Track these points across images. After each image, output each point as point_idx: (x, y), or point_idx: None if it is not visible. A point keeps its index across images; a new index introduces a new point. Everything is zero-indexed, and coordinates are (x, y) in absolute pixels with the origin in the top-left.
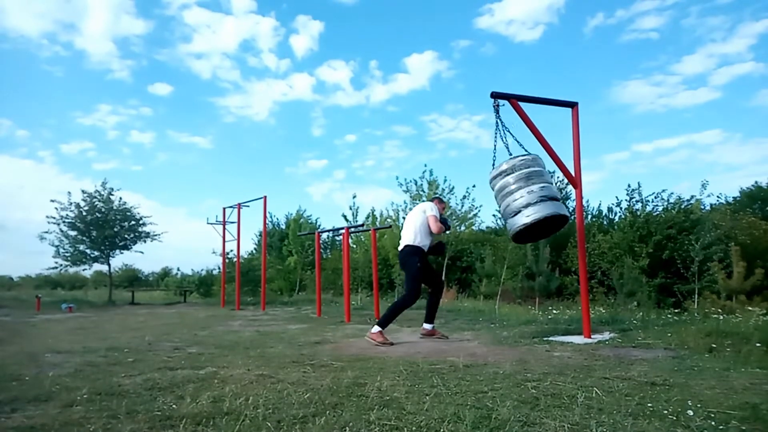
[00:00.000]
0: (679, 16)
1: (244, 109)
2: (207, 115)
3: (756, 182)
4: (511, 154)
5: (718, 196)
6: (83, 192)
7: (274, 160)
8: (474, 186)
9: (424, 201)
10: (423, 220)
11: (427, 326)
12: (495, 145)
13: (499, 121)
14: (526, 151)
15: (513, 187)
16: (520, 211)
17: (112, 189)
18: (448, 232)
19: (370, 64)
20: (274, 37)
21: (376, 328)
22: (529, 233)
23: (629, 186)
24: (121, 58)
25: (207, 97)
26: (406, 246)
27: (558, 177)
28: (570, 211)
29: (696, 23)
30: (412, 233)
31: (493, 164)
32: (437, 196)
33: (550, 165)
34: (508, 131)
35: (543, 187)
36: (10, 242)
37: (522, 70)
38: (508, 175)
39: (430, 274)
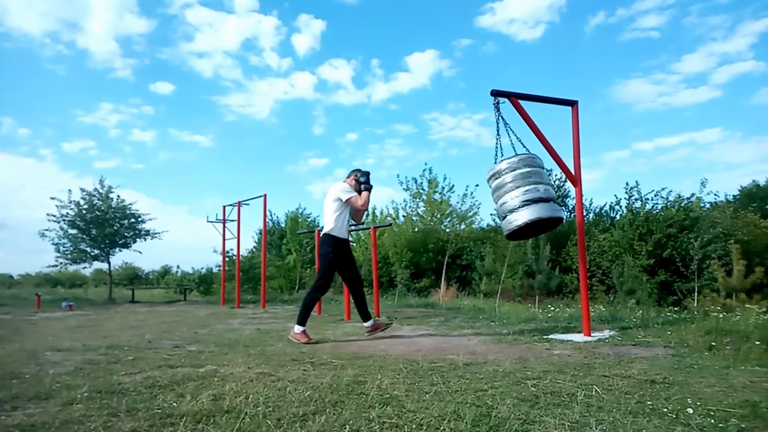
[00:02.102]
0: (680, 14)
1: (245, 107)
2: (208, 114)
3: (754, 180)
4: (513, 152)
5: (715, 194)
6: (82, 190)
7: (275, 159)
8: (477, 185)
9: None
10: (336, 207)
11: (366, 324)
12: (497, 143)
13: (500, 118)
14: (525, 149)
15: (509, 186)
16: (514, 211)
17: (111, 187)
18: (370, 192)
19: (372, 62)
20: (276, 35)
21: (299, 328)
22: (523, 232)
23: (627, 184)
24: (124, 57)
25: (208, 95)
26: (323, 234)
27: (557, 175)
28: (570, 209)
29: (697, 22)
30: (328, 221)
31: (495, 162)
32: (355, 170)
33: (550, 163)
34: (510, 129)
35: (538, 188)
36: (11, 240)
37: (523, 68)
38: (504, 174)
39: (348, 268)
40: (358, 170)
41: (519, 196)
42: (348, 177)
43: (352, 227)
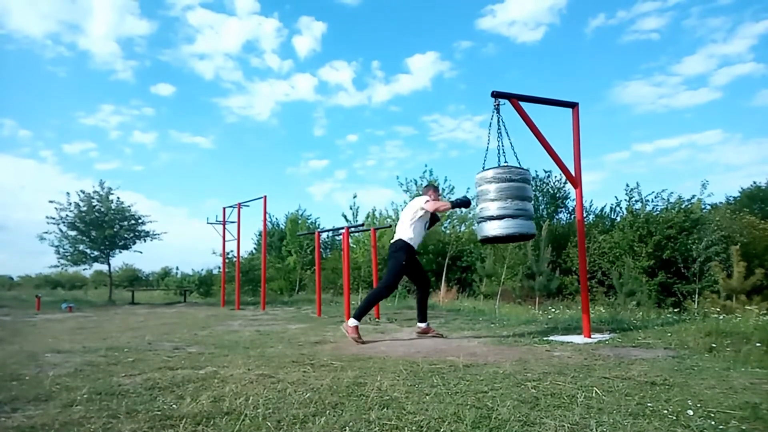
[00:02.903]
0: (680, 17)
1: (246, 109)
2: (209, 116)
3: (754, 182)
4: (505, 157)
5: (712, 195)
6: (81, 192)
7: (276, 160)
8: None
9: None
10: (418, 215)
11: (421, 324)
12: (488, 145)
13: (499, 120)
14: (516, 158)
15: (491, 195)
16: (490, 220)
17: (111, 189)
18: (464, 209)
19: (373, 64)
20: (277, 37)
21: (353, 321)
22: (495, 240)
23: (627, 186)
24: (125, 59)
25: (209, 97)
26: (397, 240)
27: (557, 176)
28: (570, 210)
29: (697, 24)
30: (404, 228)
31: (484, 162)
32: (429, 183)
33: (550, 165)
34: (507, 133)
35: (517, 203)
36: (11, 242)
37: (523, 70)
38: (490, 183)
39: (416, 271)
40: (431, 185)
41: (497, 208)
42: (425, 191)
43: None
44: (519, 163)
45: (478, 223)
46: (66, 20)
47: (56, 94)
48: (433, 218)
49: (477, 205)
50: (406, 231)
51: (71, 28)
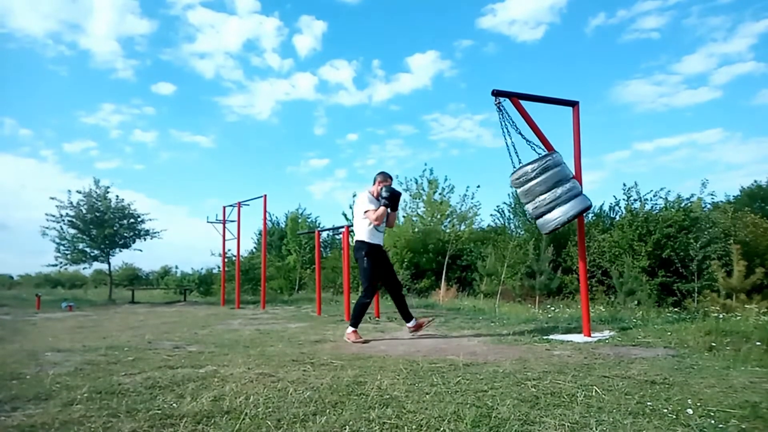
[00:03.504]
0: (680, 16)
1: (246, 108)
2: (210, 115)
3: (755, 181)
4: (517, 154)
5: (713, 195)
6: (80, 192)
7: (276, 159)
8: (478, 186)
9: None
10: (363, 215)
11: (409, 324)
12: (507, 144)
13: (506, 117)
14: (534, 149)
15: (540, 189)
16: (550, 211)
17: (107, 187)
18: (391, 209)
19: (373, 63)
20: (277, 36)
21: (350, 329)
22: (560, 227)
23: (625, 185)
24: (125, 58)
25: (210, 96)
26: (356, 241)
27: None
28: None
29: (697, 23)
30: (360, 227)
31: (512, 162)
32: (380, 172)
33: None
34: (516, 128)
35: (566, 186)
36: (11, 241)
37: (524, 69)
38: (532, 178)
39: (384, 272)
40: (383, 173)
41: (550, 201)
42: (373, 183)
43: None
44: (538, 153)
45: (536, 219)
46: (67, 20)
47: (57, 93)
48: (390, 204)
49: (525, 203)
50: (362, 230)
51: (72, 28)
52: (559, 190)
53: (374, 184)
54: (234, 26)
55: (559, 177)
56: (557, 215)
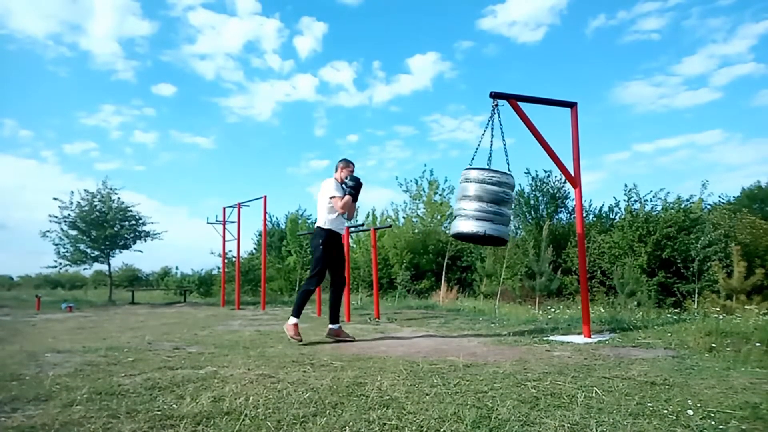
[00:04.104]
0: (680, 17)
1: (247, 109)
2: (210, 116)
3: (758, 182)
4: (490, 159)
5: (720, 196)
6: (85, 191)
7: (276, 160)
8: None
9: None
10: (326, 202)
11: (332, 326)
12: (479, 144)
13: (492, 121)
14: (507, 162)
15: (471, 195)
16: (467, 219)
17: (113, 189)
18: (355, 201)
19: (373, 64)
20: (278, 38)
21: (292, 320)
22: (465, 238)
23: (626, 186)
24: (126, 59)
25: (210, 97)
26: (316, 227)
27: (557, 176)
28: (570, 210)
29: (697, 24)
30: (321, 214)
31: (472, 160)
32: (342, 159)
33: (549, 165)
34: (502, 135)
35: (495, 207)
36: (11, 242)
37: (524, 70)
38: (471, 182)
39: (335, 264)
40: (344, 160)
41: (474, 209)
42: (336, 170)
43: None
44: (509, 167)
45: (455, 218)
46: (67, 21)
47: (57, 94)
48: (354, 193)
49: (458, 198)
50: (325, 217)
51: (73, 29)
52: (491, 208)
53: (336, 171)
54: (234, 27)
55: (500, 197)
56: (471, 227)
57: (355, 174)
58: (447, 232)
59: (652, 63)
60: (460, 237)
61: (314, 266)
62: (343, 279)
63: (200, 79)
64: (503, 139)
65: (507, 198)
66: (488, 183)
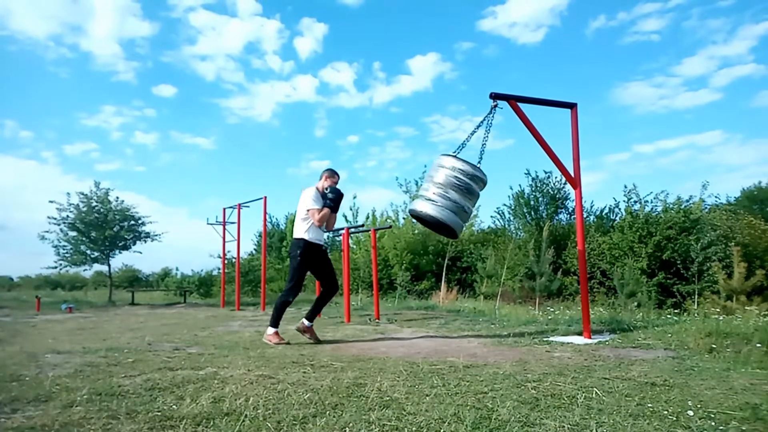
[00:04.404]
0: (680, 18)
1: (247, 110)
2: (210, 117)
3: (759, 182)
4: (482, 157)
5: (716, 197)
6: (80, 194)
7: (277, 161)
8: None
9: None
10: (304, 213)
11: (305, 321)
12: (467, 140)
13: (486, 121)
14: (480, 160)
15: (436, 180)
16: (428, 200)
17: (108, 190)
18: (335, 211)
19: (374, 65)
20: (278, 39)
21: (271, 330)
22: (422, 221)
23: (625, 187)
24: (127, 60)
25: (211, 98)
26: (293, 239)
27: (557, 177)
28: (570, 211)
29: (697, 25)
30: (299, 225)
31: (458, 150)
32: (327, 169)
33: (549, 165)
34: (487, 136)
35: (457, 198)
36: (11, 243)
37: (524, 71)
38: (441, 169)
39: (323, 271)
40: (329, 170)
41: (434, 193)
42: (320, 179)
43: (352, 228)
44: (481, 165)
45: (414, 197)
46: (68, 22)
47: (58, 95)
48: (333, 206)
49: (426, 180)
50: (301, 228)
51: (73, 30)
52: (453, 196)
53: (320, 179)
54: (235, 28)
55: (466, 189)
56: (428, 209)
57: (341, 181)
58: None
59: (652, 64)
60: (415, 215)
61: (291, 277)
62: (335, 286)
63: (201, 80)
64: (486, 138)
65: (472, 192)
66: (460, 173)
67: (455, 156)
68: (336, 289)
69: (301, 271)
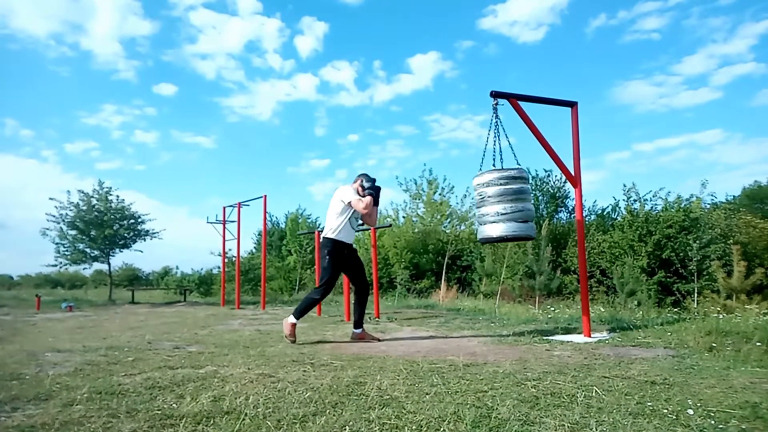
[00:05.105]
0: (681, 17)
1: (247, 109)
2: (211, 115)
3: (758, 181)
4: (502, 158)
5: (714, 196)
6: (80, 192)
7: (277, 160)
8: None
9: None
10: (339, 209)
11: (356, 331)
12: (486, 145)
13: (495, 121)
14: (516, 160)
15: (490, 200)
16: (490, 224)
17: (110, 188)
18: (375, 203)
19: (374, 64)
20: (279, 37)
21: (291, 319)
22: (494, 241)
23: (625, 186)
24: (127, 59)
25: (211, 97)
26: (322, 238)
27: (557, 176)
28: (570, 209)
29: (697, 24)
30: (330, 223)
31: (481, 164)
32: (364, 174)
33: (549, 164)
34: (505, 134)
35: (516, 206)
36: (12, 241)
37: (525, 70)
38: (488, 186)
39: (353, 271)
40: (365, 175)
41: (496, 213)
42: (354, 182)
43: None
44: (517, 162)
45: (479, 224)
46: (69, 20)
47: (58, 93)
48: (375, 195)
49: (477, 207)
50: (331, 226)
51: (74, 29)
52: (509, 207)
53: (354, 182)
54: (235, 27)
55: (516, 194)
56: (497, 231)
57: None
58: (446, 232)
59: (652, 62)
60: (489, 241)
61: (322, 276)
62: (365, 285)
63: (201, 78)
64: (506, 137)
65: (523, 191)
66: (503, 182)
67: (490, 170)
68: (367, 287)
69: (333, 271)
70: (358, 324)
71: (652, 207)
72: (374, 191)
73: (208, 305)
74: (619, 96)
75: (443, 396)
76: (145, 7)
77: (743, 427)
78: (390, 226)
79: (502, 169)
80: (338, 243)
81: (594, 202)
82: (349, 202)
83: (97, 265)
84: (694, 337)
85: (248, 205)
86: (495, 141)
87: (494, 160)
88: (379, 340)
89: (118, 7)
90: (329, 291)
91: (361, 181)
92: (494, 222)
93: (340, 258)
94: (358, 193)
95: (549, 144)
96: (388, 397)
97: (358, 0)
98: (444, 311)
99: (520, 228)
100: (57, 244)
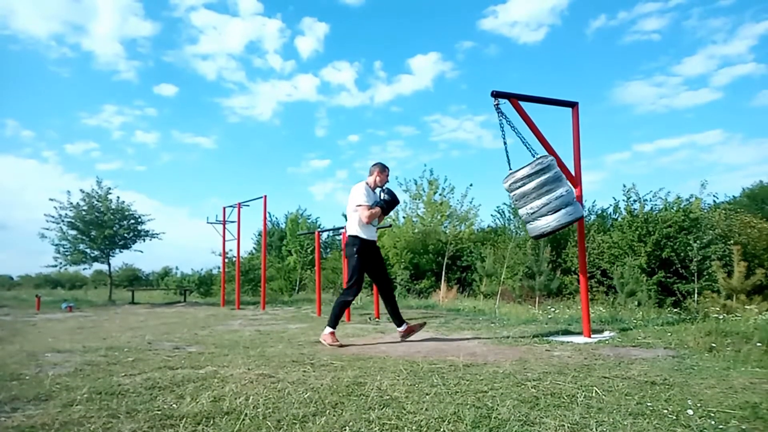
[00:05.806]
0: (681, 17)
1: (248, 109)
2: (211, 116)
3: (760, 181)
4: (509, 158)
5: (715, 196)
6: (81, 192)
7: (278, 161)
8: (471, 185)
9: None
10: (354, 208)
11: (400, 329)
12: (505, 146)
13: (503, 120)
14: (530, 151)
15: (533, 195)
16: (541, 218)
17: (110, 189)
18: (387, 212)
19: (375, 64)
20: (279, 38)
21: (328, 329)
22: (549, 233)
23: (624, 186)
24: (128, 59)
25: (212, 97)
26: (348, 236)
27: None
28: None
29: (697, 25)
30: (352, 222)
31: (508, 165)
32: (377, 163)
33: None
34: (514, 129)
35: (560, 193)
36: (12, 242)
37: (525, 70)
38: (525, 182)
39: (376, 270)
40: (380, 164)
41: (540, 206)
42: (370, 174)
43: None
44: (533, 155)
45: (527, 223)
46: (70, 21)
47: (59, 94)
48: (386, 208)
49: (519, 207)
50: (356, 225)
51: (75, 29)
52: (550, 196)
53: (371, 175)
54: (236, 28)
55: (551, 182)
56: (547, 222)
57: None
58: (445, 232)
59: (652, 63)
60: (541, 236)
61: (350, 275)
62: (389, 282)
63: (202, 79)
64: (518, 134)
65: (558, 178)
66: (536, 176)
67: (520, 168)
68: (391, 284)
69: (362, 270)
70: (399, 321)
71: (651, 207)
72: (387, 204)
73: (208, 305)
74: (620, 96)
75: (443, 396)
76: (146, 8)
77: (743, 427)
78: (390, 226)
79: (532, 162)
80: (366, 241)
81: (594, 203)
82: (359, 205)
83: (97, 266)
84: (694, 338)
85: (248, 206)
86: (504, 140)
87: (508, 158)
88: (425, 323)
89: (119, 8)
90: (360, 290)
91: (381, 183)
92: (544, 215)
93: (368, 256)
94: (373, 190)
95: (550, 144)
96: (388, 397)
97: (358, 1)
98: (444, 311)
99: (569, 212)
100: (57, 244)
